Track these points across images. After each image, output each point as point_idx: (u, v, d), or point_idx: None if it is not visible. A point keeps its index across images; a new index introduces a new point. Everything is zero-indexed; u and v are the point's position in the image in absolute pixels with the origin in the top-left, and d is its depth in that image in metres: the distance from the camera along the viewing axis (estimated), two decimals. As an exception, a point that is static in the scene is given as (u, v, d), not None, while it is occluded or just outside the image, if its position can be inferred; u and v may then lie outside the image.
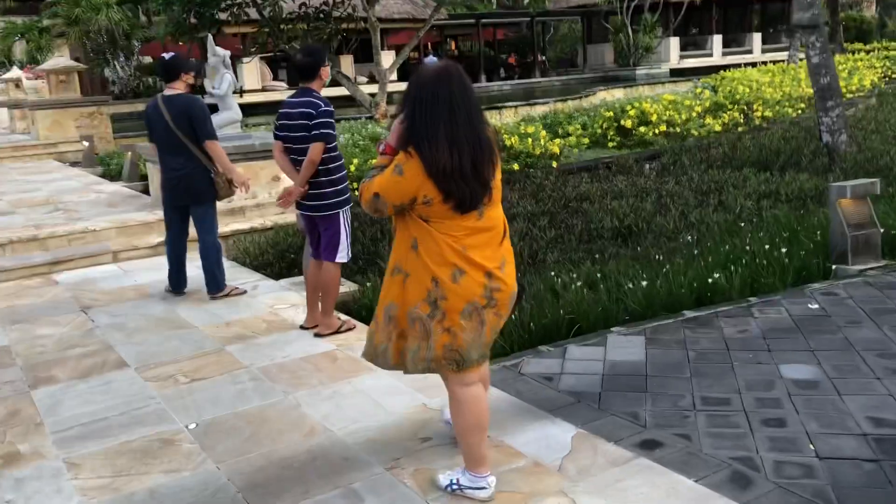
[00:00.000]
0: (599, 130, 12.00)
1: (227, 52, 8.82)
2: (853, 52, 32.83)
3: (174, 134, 5.57)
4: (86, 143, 13.78)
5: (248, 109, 23.44)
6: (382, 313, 2.92)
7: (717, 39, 34.28)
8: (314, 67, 4.72)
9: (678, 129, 12.03)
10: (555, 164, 10.13)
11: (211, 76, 8.94)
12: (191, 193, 5.79)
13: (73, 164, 14.58)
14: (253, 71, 24.12)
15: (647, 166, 10.33)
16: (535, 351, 4.46)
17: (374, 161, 2.98)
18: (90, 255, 7.28)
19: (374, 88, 18.84)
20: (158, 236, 7.61)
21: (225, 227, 7.99)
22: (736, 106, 13.18)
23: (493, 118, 19.79)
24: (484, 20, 32.45)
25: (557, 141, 10.44)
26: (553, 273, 5.63)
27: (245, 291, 6.07)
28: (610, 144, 11.76)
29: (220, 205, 8.31)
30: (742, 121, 12.92)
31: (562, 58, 38.13)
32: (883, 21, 42.91)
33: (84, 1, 24.37)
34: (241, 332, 5.12)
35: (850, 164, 9.32)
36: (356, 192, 3.07)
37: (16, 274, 6.89)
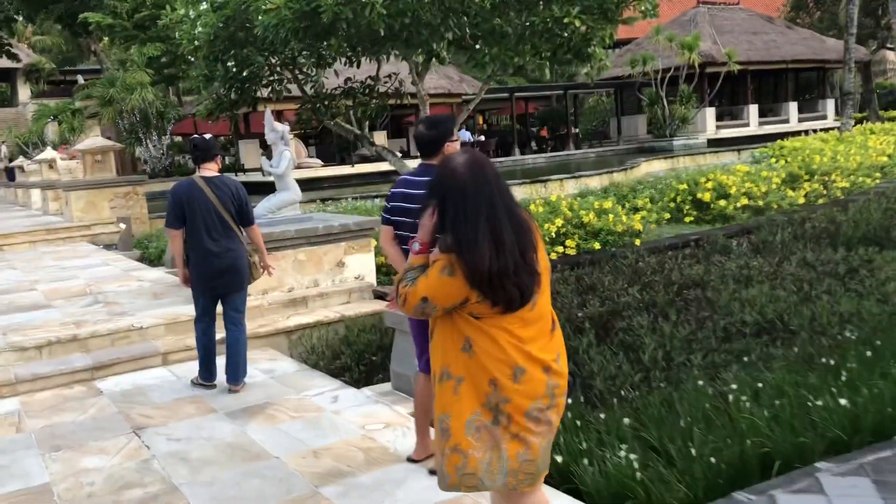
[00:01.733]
0: (673, 204, 11.13)
1: (287, 128, 8.10)
2: (891, 120, 32.15)
3: (223, 216, 5.28)
4: (122, 225, 13.09)
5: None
6: (437, 427, 2.64)
7: (753, 109, 33.74)
8: (439, 141, 3.86)
9: (760, 202, 11.12)
10: (638, 242, 9.22)
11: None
12: (239, 278, 5.45)
13: (108, 246, 13.88)
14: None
15: (735, 243, 9.37)
16: (731, 500, 3.42)
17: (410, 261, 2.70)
18: (137, 356, 6.36)
19: (414, 163, 18.19)
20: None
21: (287, 320, 7.10)
22: (814, 176, 12.30)
23: (537, 192, 19.06)
24: (517, 94, 32.11)
25: (637, 216, 9.57)
26: (701, 383, 4.63)
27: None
28: (687, 219, 10.86)
29: (280, 295, 7.49)
30: (824, 192, 12.01)
31: (592, 130, 37.68)
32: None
33: (119, 82, 24.31)
34: (334, 466, 4.12)
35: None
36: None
37: (54, 381, 5.97)
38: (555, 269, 8.37)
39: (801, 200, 11.47)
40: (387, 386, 5.46)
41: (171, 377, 6.05)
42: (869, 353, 4.89)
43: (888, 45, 41.38)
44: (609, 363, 5.01)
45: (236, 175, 23.39)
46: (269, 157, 8.24)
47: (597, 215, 9.31)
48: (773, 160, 14.25)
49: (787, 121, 34.55)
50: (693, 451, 3.66)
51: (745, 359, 5.08)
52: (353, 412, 4.97)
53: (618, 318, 5.94)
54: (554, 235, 8.92)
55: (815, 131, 25.37)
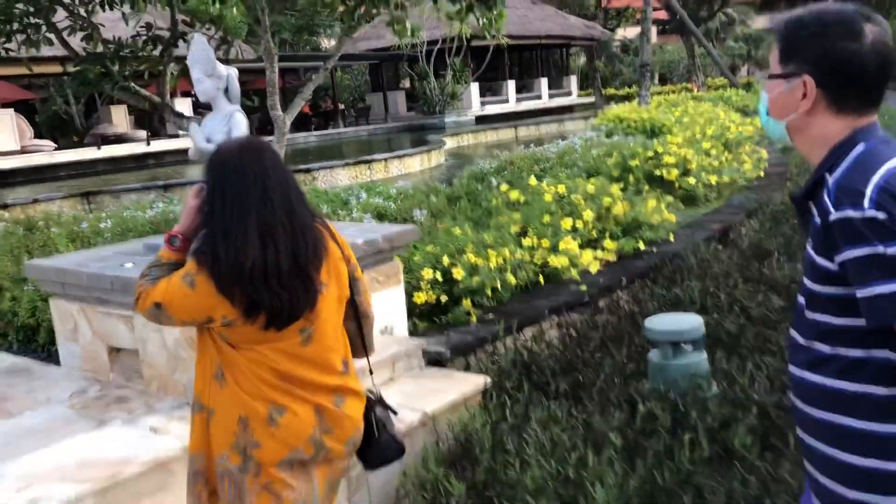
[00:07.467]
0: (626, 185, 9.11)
1: (235, 71, 4.54)
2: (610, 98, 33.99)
3: None
4: None
5: (2, 177, 17.35)
6: (188, 468, 2.17)
7: (511, 85, 33.61)
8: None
9: (725, 179, 9.52)
10: (671, 237, 7.03)
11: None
12: None
13: None
14: (6, 126, 17.75)
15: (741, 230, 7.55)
16: None
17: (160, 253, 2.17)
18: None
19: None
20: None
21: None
22: (730, 148, 11.08)
23: (362, 174, 16.22)
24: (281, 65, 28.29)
25: (660, 204, 7.34)
26: None
27: None
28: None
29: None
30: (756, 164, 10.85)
31: (352, 107, 34.87)
32: (617, 69, 45.70)
33: None
34: None
35: None
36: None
37: None
38: (627, 284, 5.83)
39: (759, 173, 10.14)
40: None
41: None
42: None
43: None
44: None
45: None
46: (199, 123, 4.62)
47: (623, 204, 6.90)
48: (625, 130, 12.94)
49: (540, 97, 35.03)
50: None
51: None
52: None
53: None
54: (594, 235, 6.36)
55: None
